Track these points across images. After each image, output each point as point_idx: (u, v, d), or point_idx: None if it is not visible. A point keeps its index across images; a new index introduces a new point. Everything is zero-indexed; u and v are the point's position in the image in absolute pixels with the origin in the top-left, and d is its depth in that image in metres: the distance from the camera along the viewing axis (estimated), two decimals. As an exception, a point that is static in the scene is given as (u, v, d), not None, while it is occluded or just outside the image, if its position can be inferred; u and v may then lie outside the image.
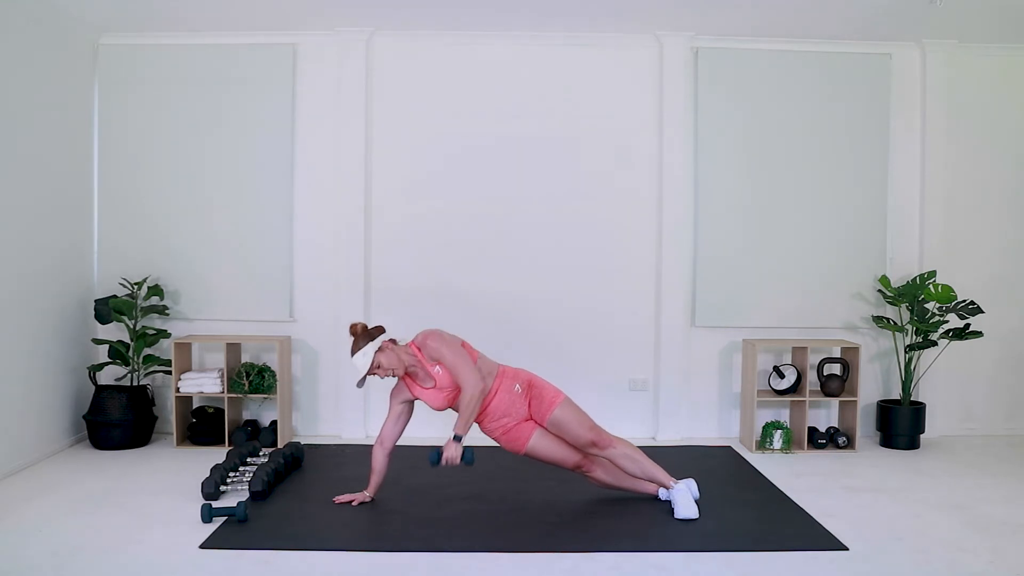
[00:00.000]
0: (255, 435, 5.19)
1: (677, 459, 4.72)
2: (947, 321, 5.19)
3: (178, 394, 5.12)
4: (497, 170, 5.41)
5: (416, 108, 5.39)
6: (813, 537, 3.61)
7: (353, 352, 3.83)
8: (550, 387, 3.97)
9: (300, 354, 5.45)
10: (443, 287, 5.40)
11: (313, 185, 5.41)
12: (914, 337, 5.26)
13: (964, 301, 5.15)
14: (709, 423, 5.52)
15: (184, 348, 5.22)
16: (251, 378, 5.22)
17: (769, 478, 4.51)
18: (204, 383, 5.12)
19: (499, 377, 3.92)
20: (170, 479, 4.39)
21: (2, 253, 4.44)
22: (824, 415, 5.50)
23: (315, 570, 3.23)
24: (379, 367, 3.83)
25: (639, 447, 4.11)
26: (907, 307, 5.27)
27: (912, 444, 5.22)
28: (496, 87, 5.41)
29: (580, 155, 5.42)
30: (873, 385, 5.52)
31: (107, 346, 5.19)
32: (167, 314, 5.31)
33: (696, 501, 3.92)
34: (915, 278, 5.26)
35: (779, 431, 5.10)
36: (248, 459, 4.57)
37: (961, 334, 5.13)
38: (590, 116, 5.42)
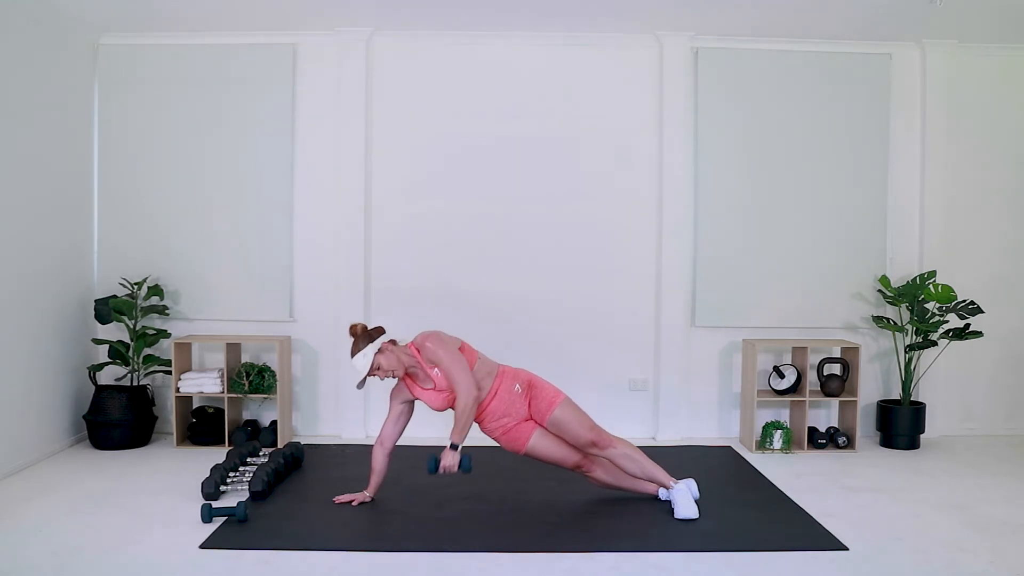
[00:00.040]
0: (255, 435, 5.19)
1: (677, 459, 4.72)
2: (947, 321, 5.19)
3: (178, 394, 5.12)
4: (497, 170, 5.41)
5: (416, 108, 5.39)
6: (813, 537, 3.61)
7: (353, 353, 3.83)
8: (550, 387, 3.97)
9: (300, 354, 5.45)
10: (443, 287, 5.41)
11: (313, 185, 5.41)
12: (914, 337, 5.26)
13: (964, 301, 5.15)
14: (709, 423, 5.52)
15: (184, 348, 5.22)
16: (251, 378, 5.22)
17: (769, 478, 4.51)
18: (204, 383, 5.12)
19: (499, 377, 3.92)
20: (170, 479, 4.39)
21: (2, 253, 4.45)
22: (824, 415, 5.50)
23: (315, 570, 3.23)
24: (379, 369, 3.83)
25: (639, 447, 4.11)
26: (907, 307, 5.27)
27: (912, 444, 5.22)
28: (496, 87, 5.41)
29: (580, 155, 5.42)
30: (873, 385, 5.52)
31: (107, 346, 5.19)
32: (167, 314, 5.31)
33: (696, 501, 3.92)
34: (915, 278, 5.26)
35: (779, 431, 5.11)
36: (248, 459, 4.57)
37: (961, 334, 5.13)
38: (590, 116, 5.42)
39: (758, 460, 4.91)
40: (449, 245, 5.42)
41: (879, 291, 5.40)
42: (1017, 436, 5.55)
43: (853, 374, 5.17)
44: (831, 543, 3.53)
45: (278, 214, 5.39)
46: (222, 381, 5.14)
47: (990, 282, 5.53)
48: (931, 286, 5.16)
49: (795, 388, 5.23)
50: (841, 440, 5.14)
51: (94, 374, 5.16)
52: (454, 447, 3.76)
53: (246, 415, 5.48)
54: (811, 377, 5.28)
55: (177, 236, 5.38)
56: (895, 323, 5.30)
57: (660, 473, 3.94)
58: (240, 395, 5.20)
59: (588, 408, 4.03)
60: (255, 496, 4.00)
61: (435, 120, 5.40)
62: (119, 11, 4.98)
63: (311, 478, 4.46)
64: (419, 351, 3.86)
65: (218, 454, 4.81)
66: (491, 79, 5.41)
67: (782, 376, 5.24)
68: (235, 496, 4.10)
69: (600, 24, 5.20)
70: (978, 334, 5.13)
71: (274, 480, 4.22)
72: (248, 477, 4.22)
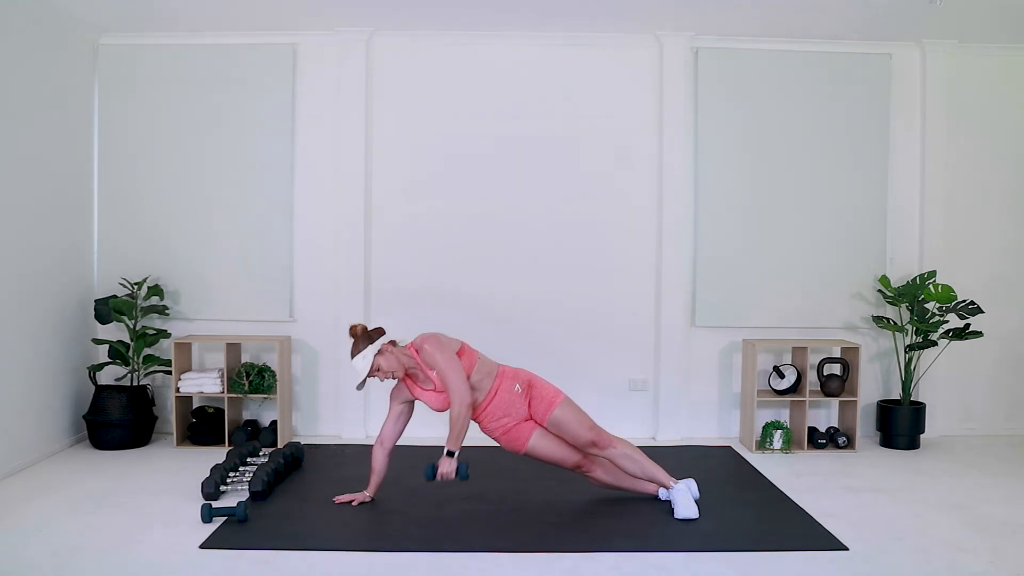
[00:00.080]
0: (255, 435, 5.19)
1: (677, 459, 4.72)
2: (947, 321, 5.19)
3: (178, 394, 5.12)
4: (497, 170, 5.41)
5: (416, 108, 5.39)
6: (813, 537, 3.61)
7: (353, 354, 3.83)
8: (550, 387, 3.97)
9: (300, 354, 5.45)
10: (443, 287, 5.41)
11: (313, 185, 5.41)
12: (914, 337, 5.26)
13: (964, 301, 5.15)
14: (709, 423, 5.52)
15: (184, 348, 5.22)
16: (251, 378, 5.22)
17: (769, 478, 4.51)
18: (204, 383, 5.12)
19: (499, 377, 3.92)
20: (170, 479, 4.39)
21: (2, 253, 4.45)
22: (824, 415, 5.50)
23: (315, 570, 3.23)
24: (378, 370, 3.83)
25: (639, 447, 4.11)
26: (907, 307, 5.27)
27: (912, 444, 5.22)
28: (496, 87, 5.41)
29: (580, 155, 5.42)
30: (873, 385, 5.52)
31: (107, 346, 5.19)
32: (167, 314, 5.31)
33: (696, 501, 3.92)
34: (915, 278, 5.26)
35: (779, 431, 5.10)
36: (248, 459, 4.57)
37: (961, 334, 5.13)
38: (590, 116, 5.42)
39: (758, 460, 4.91)
40: (449, 245, 5.42)
41: (879, 291, 5.40)
42: (1017, 436, 5.55)
43: (853, 374, 5.17)
44: (831, 543, 3.53)
45: (278, 214, 5.39)
46: (222, 381, 5.14)
47: (990, 282, 5.54)
48: (931, 286, 5.16)
49: (795, 388, 5.23)
50: (841, 440, 5.14)
51: (94, 374, 5.16)
52: (450, 454, 3.78)
53: (246, 415, 5.48)
54: (811, 377, 5.28)
55: (177, 236, 5.38)
56: (895, 323, 5.30)
57: (660, 473, 3.94)
58: (240, 395, 5.20)
59: (588, 408, 4.03)
60: (255, 496, 4.00)
61: (435, 120, 5.40)
62: (119, 11, 4.98)
63: (311, 478, 4.46)
64: (418, 352, 3.86)
65: (218, 454, 4.81)
66: (491, 79, 5.41)
67: (782, 376, 5.24)
68: (235, 496, 4.10)
69: (600, 24, 5.20)
70: (978, 334, 5.13)
71: (274, 480, 4.22)
72: (248, 477, 4.22)
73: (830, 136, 5.45)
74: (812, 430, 5.21)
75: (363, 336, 3.85)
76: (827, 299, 5.48)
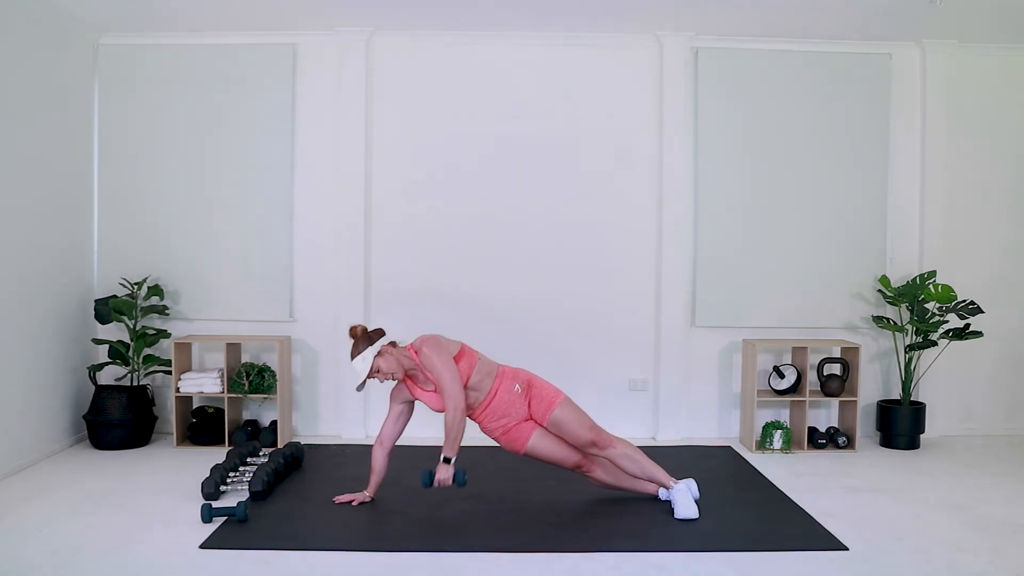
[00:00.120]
0: (255, 435, 5.19)
1: (677, 459, 4.72)
2: (947, 321, 5.19)
3: (178, 394, 5.12)
4: (497, 170, 5.41)
5: (416, 108, 5.39)
6: (813, 537, 3.61)
7: (353, 356, 3.84)
8: (550, 387, 3.97)
9: (300, 354, 5.45)
10: (443, 287, 5.41)
11: (313, 185, 5.41)
12: (914, 337, 5.26)
13: (964, 301, 5.15)
14: (709, 423, 5.52)
15: (184, 348, 5.22)
16: (251, 378, 5.22)
17: (769, 478, 4.51)
18: (204, 383, 5.12)
19: (499, 377, 3.92)
20: (170, 479, 4.39)
21: (2, 253, 4.45)
22: (824, 415, 5.50)
23: (315, 570, 3.23)
24: (378, 371, 3.84)
25: (639, 447, 4.11)
26: (907, 307, 5.27)
27: (912, 444, 5.22)
28: (496, 87, 5.41)
29: (580, 155, 5.42)
30: (873, 385, 5.52)
31: (107, 346, 5.19)
32: (167, 314, 5.31)
33: (696, 501, 3.92)
34: (915, 278, 5.26)
35: (779, 431, 5.10)
36: (248, 459, 4.57)
37: (961, 334, 5.13)
38: (590, 116, 5.42)
39: (758, 460, 4.91)
40: (449, 245, 5.42)
41: (879, 291, 5.40)
42: (1017, 436, 5.55)
43: (853, 374, 5.17)
44: (831, 543, 3.53)
45: (278, 214, 5.39)
46: (222, 381, 5.14)
47: (990, 282, 5.54)
48: (931, 286, 5.16)
49: (795, 388, 5.23)
50: (841, 440, 5.14)
51: (94, 374, 5.16)
52: (447, 461, 3.78)
53: (246, 415, 5.48)
54: (811, 377, 5.28)
55: (177, 236, 5.38)
56: (895, 323, 5.30)
57: (660, 473, 3.94)
58: (240, 395, 5.20)
59: (588, 408, 4.03)
60: (255, 496, 4.00)
61: (435, 120, 5.40)
62: (119, 11, 4.98)
63: (311, 478, 4.46)
64: (417, 354, 3.86)
65: (218, 454, 4.81)
66: (491, 79, 5.41)
67: (782, 376, 5.24)
68: (235, 496, 4.10)
69: (600, 24, 5.20)
70: (978, 334, 5.13)
71: (274, 480, 4.22)
72: (248, 477, 4.22)
73: (830, 136, 5.45)
74: (812, 430, 5.21)
75: (363, 337, 3.85)
76: (827, 299, 5.48)
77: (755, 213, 5.45)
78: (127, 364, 5.14)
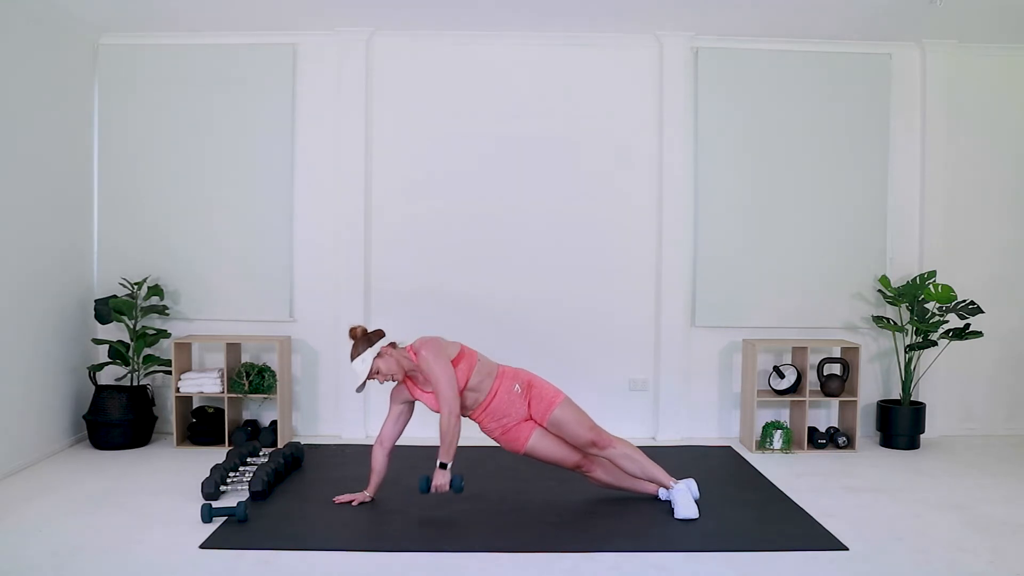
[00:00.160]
0: (255, 435, 5.19)
1: (677, 459, 4.72)
2: (947, 321, 5.19)
3: (178, 394, 5.12)
4: (497, 170, 5.41)
5: (416, 108, 5.39)
6: (813, 537, 3.61)
7: (352, 357, 3.84)
8: (550, 387, 3.97)
9: (300, 354, 5.45)
10: (443, 287, 5.41)
11: (313, 185, 5.41)
12: (914, 337, 5.26)
13: (964, 301, 5.15)
14: (709, 423, 5.52)
15: (184, 348, 5.22)
16: (251, 378, 5.22)
17: (769, 478, 4.51)
18: (204, 383, 5.12)
19: (499, 378, 3.92)
20: (170, 479, 4.39)
21: (2, 253, 4.45)
22: (824, 415, 5.50)
23: (315, 570, 3.23)
24: (378, 372, 3.84)
25: (639, 447, 4.11)
26: (907, 307, 5.27)
27: (912, 444, 5.22)
28: (496, 87, 5.41)
29: (580, 155, 5.42)
30: (873, 385, 5.52)
31: (107, 346, 5.19)
32: (167, 314, 5.31)
33: (696, 501, 3.92)
34: (915, 278, 5.26)
35: (779, 431, 5.10)
36: (248, 459, 4.57)
37: (961, 334, 5.13)
38: (590, 116, 5.42)
39: (758, 460, 4.91)
40: (449, 245, 5.42)
41: (879, 291, 5.40)
42: (1017, 436, 5.55)
43: (853, 374, 5.17)
44: (831, 543, 3.53)
45: (278, 214, 5.39)
46: (222, 381, 5.14)
47: (990, 282, 5.54)
48: (931, 286, 5.16)
49: (795, 388, 5.23)
50: (841, 440, 5.14)
51: (94, 374, 5.16)
52: (443, 466, 3.79)
53: (246, 415, 5.48)
54: (811, 377, 5.28)
55: (177, 236, 5.38)
56: (895, 323, 5.30)
57: (660, 473, 3.94)
58: (240, 395, 5.20)
59: (588, 408, 4.03)
60: (255, 496, 4.00)
61: (435, 120, 5.40)
62: (119, 11, 4.98)
63: (311, 478, 4.46)
64: (416, 356, 3.86)
65: (218, 454, 4.81)
66: (491, 79, 5.41)
67: (782, 376, 5.24)
68: (235, 496, 4.10)
69: (600, 24, 5.20)
70: (978, 334, 5.13)
71: (274, 480, 4.22)
72: (248, 477, 4.22)
73: (830, 136, 5.45)
74: (812, 430, 5.21)
75: (363, 338, 3.85)
76: (827, 299, 5.48)
77: (755, 213, 5.45)
78: (127, 364, 5.14)
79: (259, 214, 5.39)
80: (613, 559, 3.34)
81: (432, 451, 4.08)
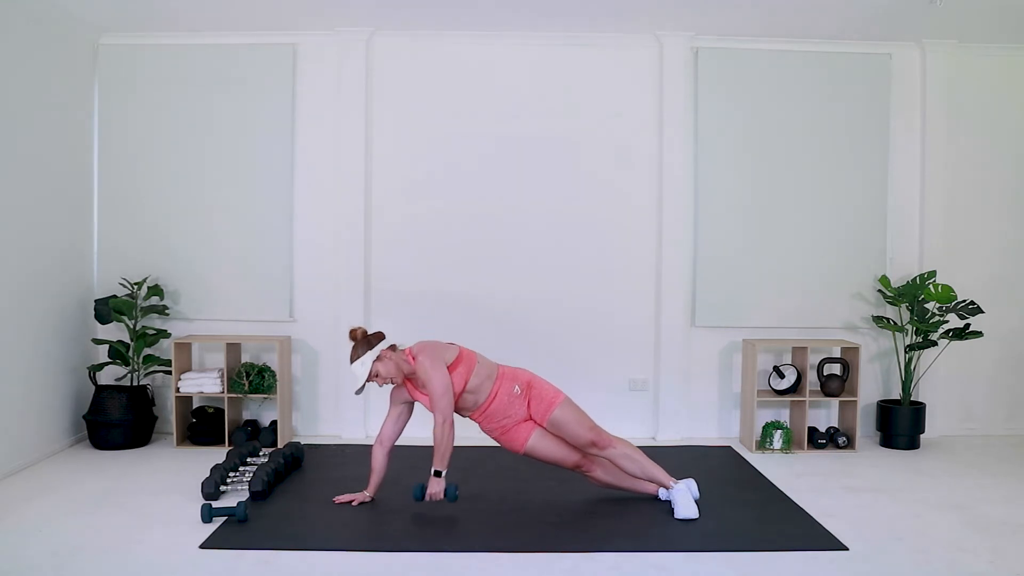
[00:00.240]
0: (255, 435, 5.19)
1: (677, 459, 4.72)
2: (947, 321, 5.19)
3: (178, 394, 5.12)
4: (497, 170, 5.41)
5: (416, 108, 5.39)
6: (813, 537, 3.61)
7: (352, 359, 3.84)
8: (550, 387, 3.97)
9: (300, 354, 5.45)
10: (443, 287, 5.40)
11: (313, 185, 5.41)
12: (914, 337, 5.26)
13: (964, 301, 5.15)
14: (709, 423, 5.52)
15: (184, 348, 5.22)
16: (251, 378, 5.22)
17: (769, 478, 4.51)
18: (204, 383, 5.12)
19: (499, 380, 3.92)
20: (170, 479, 4.39)
21: (2, 253, 4.45)
22: (824, 415, 5.50)
23: (315, 570, 3.23)
24: (377, 376, 3.84)
25: (639, 447, 4.11)
26: (907, 307, 5.27)
27: (912, 444, 5.22)
28: (496, 87, 5.41)
29: (580, 155, 5.42)
30: (873, 385, 5.52)
31: (107, 346, 5.19)
32: (167, 314, 5.31)
33: (696, 501, 3.92)
34: (915, 278, 5.26)
35: (779, 431, 5.10)
36: (248, 459, 4.57)
37: (961, 334, 5.13)
38: (590, 116, 5.42)
39: (758, 460, 4.91)
40: (449, 245, 5.42)
41: (879, 291, 5.40)
42: (1017, 436, 5.55)
43: (853, 374, 5.17)
44: (831, 543, 3.53)
45: (278, 214, 5.39)
46: (222, 381, 5.14)
47: (990, 282, 5.54)
48: (931, 286, 5.16)
49: (795, 388, 5.23)
50: (841, 440, 5.14)
51: (94, 374, 5.16)
52: (437, 474, 3.80)
53: (246, 415, 5.48)
54: (811, 377, 5.28)
55: (177, 236, 5.38)
56: (895, 323, 5.30)
57: (660, 473, 3.94)
58: (240, 395, 5.20)
59: (588, 408, 4.03)
60: (255, 496, 4.00)
61: (435, 120, 5.40)
62: (119, 11, 4.98)
63: (311, 478, 4.46)
64: (415, 360, 3.86)
65: (218, 454, 4.81)
66: (491, 79, 5.41)
67: (782, 376, 5.24)
68: (235, 496, 4.10)
69: (600, 24, 5.20)
70: (978, 334, 5.13)
71: (274, 480, 4.22)
72: (248, 477, 4.22)
73: (830, 136, 5.45)
74: (812, 430, 5.21)
75: (363, 341, 3.85)
76: (827, 299, 5.47)
77: (755, 213, 5.45)
78: (127, 364, 5.14)
79: (259, 214, 5.39)
80: (613, 559, 3.34)
81: (431, 452, 4.06)
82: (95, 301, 5.22)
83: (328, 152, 5.40)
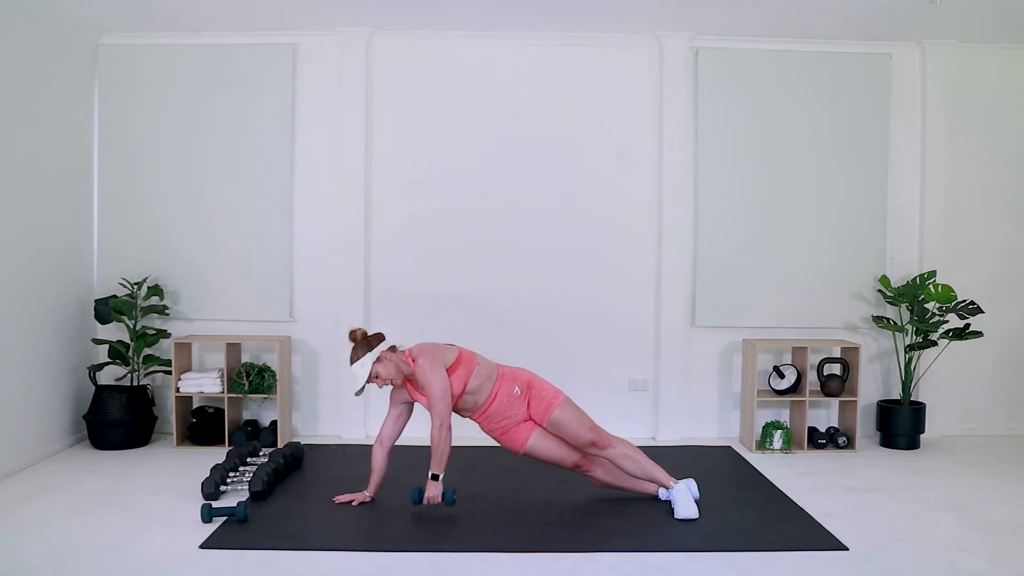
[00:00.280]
0: (255, 435, 5.19)
1: (677, 459, 4.72)
2: (947, 321, 5.19)
3: (178, 394, 5.12)
4: (497, 170, 5.41)
5: (416, 108, 5.39)
6: (813, 537, 3.61)
7: (352, 360, 3.84)
8: (550, 387, 3.97)
9: (300, 354, 5.45)
10: (443, 287, 5.40)
11: (313, 185, 5.41)
12: (914, 337, 5.26)
13: (964, 301, 5.15)
14: (709, 423, 5.52)
15: (184, 348, 5.22)
16: (251, 378, 5.22)
17: (769, 478, 4.51)
18: (204, 383, 5.12)
19: (498, 380, 3.92)
20: (170, 479, 4.39)
21: (2, 253, 4.45)
22: (824, 415, 5.50)
23: (315, 570, 3.23)
24: (377, 377, 3.84)
25: (639, 447, 4.11)
26: (907, 307, 5.27)
27: (912, 444, 5.22)
28: (496, 87, 5.41)
29: (580, 155, 5.42)
30: (873, 385, 5.52)
31: (107, 346, 5.19)
32: (167, 314, 5.31)
33: (696, 501, 3.92)
34: (915, 278, 5.26)
35: (779, 431, 5.10)
36: (248, 459, 4.57)
37: (961, 334, 5.13)
38: (590, 116, 5.42)
39: (758, 460, 4.91)
40: (449, 245, 5.42)
41: (879, 291, 5.40)
42: (1017, 436, 5.55)
43: (853, 374, 5.17)
44: (831, 543, 3.53)
45: (278, 214, 5.39)
46: (222, 381, 5.14)
47: (990, 282, 5.53)
48: (931, 286, 5.16)
49: (795, 388, 5.23)
50: (841, 440, 5.14)
51: (94, 374, 5.16)
52: (435, 478, 3.80)
53: (246, 415, 5.48)
54: (811, 377, 5.28)
55: (177, 236, 5.38)
56: (895, 323, 5.30)
57: (660, 473, 3.94)
58: (240, 395, 5.20)
59: (588, 408, 4.04)
60: (255, 496, 4.00)
61: (435, 120, 5.40)
62: (119, 11, 4.98)
63: (311, 478, 4.46)
64: (414, 363, 3.86)
65: (218, 454, 4.81)
66: (491, 79, 5.40)
67: (782, 376, 5.24)
68: (235, 496, 4.10)
69: (600, 24, 5.20)
70: (978, 334, 5.13)
71: (274, 480, 4.22)
72: (248, 477, 4.22)
73: (830, 136, 5.45)
74: (812, 430, 5.21)
75: (362, 342, 3.85)
76: (827, 299, 5.47)
77: (755, 213, 5.45)
78: (127, 364, 5.14)
79: (259, 214, 5.39)
80: (613, 559, 3.34)
81: (429, 451, 4.06)
82: (95, 301, 5.22)
83: (328, 152, 5.40)
